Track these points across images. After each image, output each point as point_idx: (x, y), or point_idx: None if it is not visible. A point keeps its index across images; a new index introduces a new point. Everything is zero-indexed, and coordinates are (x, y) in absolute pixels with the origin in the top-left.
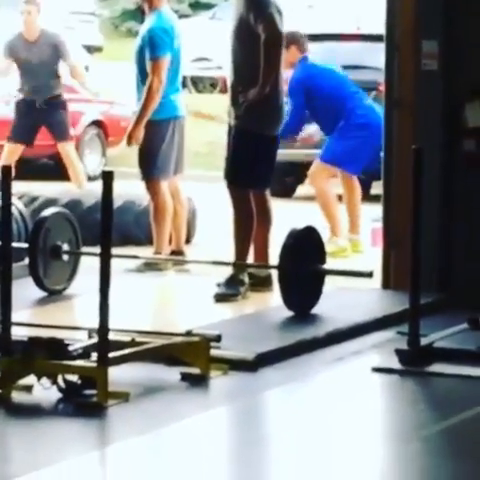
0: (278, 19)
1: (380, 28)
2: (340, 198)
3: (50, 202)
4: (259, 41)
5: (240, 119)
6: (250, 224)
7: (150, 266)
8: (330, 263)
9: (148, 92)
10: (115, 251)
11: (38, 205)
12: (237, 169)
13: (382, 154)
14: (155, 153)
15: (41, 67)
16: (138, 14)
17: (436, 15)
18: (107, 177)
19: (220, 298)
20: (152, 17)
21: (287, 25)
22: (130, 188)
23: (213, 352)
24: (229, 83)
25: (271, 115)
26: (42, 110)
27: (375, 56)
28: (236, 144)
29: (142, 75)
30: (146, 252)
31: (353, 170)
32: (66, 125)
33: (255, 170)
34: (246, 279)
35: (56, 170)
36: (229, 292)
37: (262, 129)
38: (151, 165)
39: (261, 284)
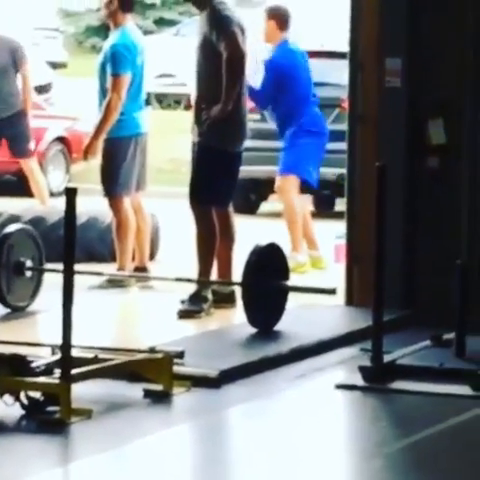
0: (240, 37)
1: (344, 45)
2: (313, 215)
3: (13, 219)
4: (221, 59)
5: (203, 136)
6: (213, 241)
7: (114, 283)
8: (293, 280)
9: (106, 108)
10: (79, 268)
11: (1, 222)
12: (199, 185)
13: (344, 170)
14: (117, 170)
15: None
16: (102, 30)
17: (400, 32)
18: (70, 194)
19: (183, 315)
20: (116, 33)
21: (251, 43)
22: (94, 205)
23: (176, 369)
24: (193, 100)
25: (233, 132)
26: (2, 122)
27: (339, 73)
28: (198, 160)
29: (103, 91)
30: (110, 269)
31: (306, 177)
32: (27, 140)
33: (216, 186)
34: (209, 296)
35: (19, 186)
36: (192, 309)
37: (224, 146)
38: (113, 182)
39: (224, 301)
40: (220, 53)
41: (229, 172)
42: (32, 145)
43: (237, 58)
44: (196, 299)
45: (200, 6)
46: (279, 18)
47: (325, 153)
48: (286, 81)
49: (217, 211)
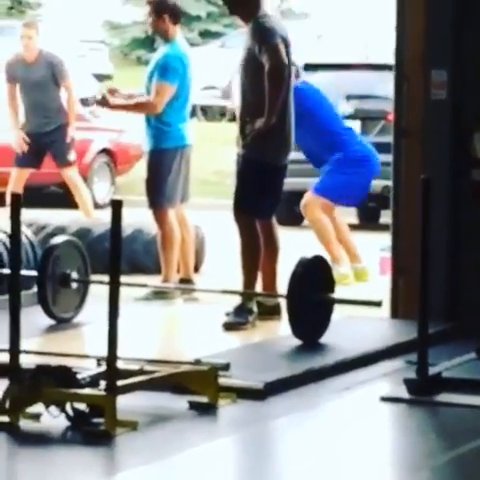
0: (282, 49)
1: (389, 57)
2: (352, 227)
3: (59, 230)
4: (264, 71)
5: (247, 148)
6: (257, 252)
7: (158, 295)
8: (338, 292)
9: (142, 104)
10: (124, 279)
11: (47, 233)
12: (242, 197)
13: (390, 183)
14: (162, 182)
15: (40, 87)
16: (147, 42)
17: (445, 44)
18: (116, 205)
19: (229, 327)
20: (167, 45)
21: (296, 55)
22: (139, 216)
23: (221, 381)
24: (237, 113)
25: (277, 145)
26: (45, 135)
27: (384, 85)
28: (242, 172)
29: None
30: (155, 280)
31: (347, 204)
32: (66, 150)
33: (261, 199)
34: (255, 308)
35: (65, 198)
36: (238, 321)
37: (268, 158)
38: (158, 194)
39: (269, 313)
40: (263, 65)
41: (273, 185)
42: (72, 156)
43: (279, 70)
44: (241, 311)
45: (245, 19)
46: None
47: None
48: (309, 112)
49: (261, 223)
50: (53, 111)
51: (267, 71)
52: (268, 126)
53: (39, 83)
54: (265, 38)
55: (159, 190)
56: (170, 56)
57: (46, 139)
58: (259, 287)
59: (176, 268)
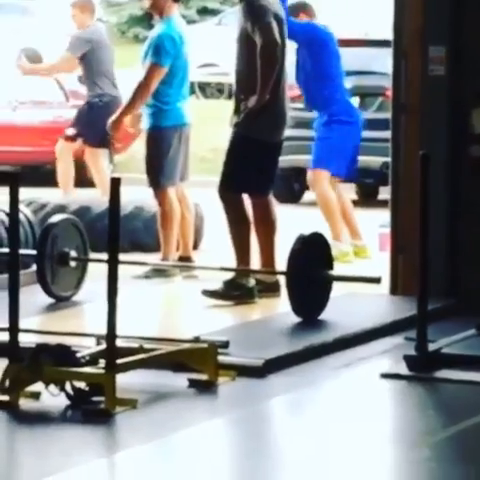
0: (275, 27)
1: (388, 33)
2: (355, 203)
3: (59, 209)
4: (257, 50)
5: (239, 125)
6: (244, 228)
7: (158, 272)
8: (337, 269)
9: (134, 92)
10: (124, 257)
11: (47, 212)
12: (231, 174)
13: (389, 159)
14: (162, 160)
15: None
16: (145, 20)
17: (443, 21)
18: (114, 183)
19: (207, 293)
20: (162, 24)
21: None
22: (138, 194)
23: (221, 358)
24: (233, 91)
25: (271, 122)
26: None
27: (382, 61)
28: (232, 149)
29: None
30: (154, 258)
31: (336, 171)
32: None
33: (252, 176)
34: (250, 284)
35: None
36: (218, 291)
37: (260, 135)
38: (158, 172)
39: (269, 290)
40: (256, 44)
41: (265, 162)
42: (70, 131)
43: (271, 48)
44: (230, 285)
45: None
46: (309, 11)
47: (369, 142)
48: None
49: (255, 200)
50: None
51: (259, 50)
52: (260, 104)
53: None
54: (257, 17)
55: (159, 169)
56: (163, 36)
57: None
58: (258, 264)
59: (175, 246)
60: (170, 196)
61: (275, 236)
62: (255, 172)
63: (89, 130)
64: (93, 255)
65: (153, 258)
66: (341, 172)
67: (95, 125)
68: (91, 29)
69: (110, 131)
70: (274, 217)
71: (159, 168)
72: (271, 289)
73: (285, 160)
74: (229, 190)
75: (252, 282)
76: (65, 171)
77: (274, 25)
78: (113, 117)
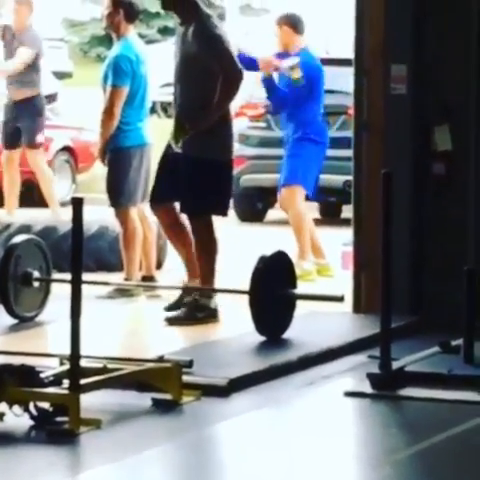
0: (235, 55)
1: (349, 52)
2: (317, 222)
3: (24, 229)
4: (211, 74)
5: (190, 146)
6: (214, 249)
7: (121, 292)
8: (301, 287)
9: (102, 118)
10: (88, 277)
11: (11, 232)
12: (193, 197)
13: (351, 177)
14: (123, 180)
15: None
16: (107, 40)
17: (404, 39)
18: (77, 204)
19: (171, 321)
20: (118, 44)
21: (256, 49)
22: (104, 214)
23: (185, 378)
24: (174, 114)
25: (223, 141)
26: (18, 108)
27: (344, 80)
28: (190, 172)
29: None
30: (118, 278)
31: (309, 188)
32: (37, 131)
33: (212, 196)
34: (212, 304)
35: (27, 196)
36: (181, 316)
37: (214, 155)
38: (119, 192)
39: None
40: (210, 69)
41: (222, 181)
42: (41, 138)
43: (238, 79)
44: (193, 307)
45: (186, 18)
46: (292, 23)
47: (331, 160)
48: (315, 86)
49: (196, 221)
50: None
51: (225, 78)
52: (209, 124)
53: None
54: (215, 45)
55: (120, 189)
56: (119, 57)
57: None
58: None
59: (138, 266)
60: (132, 216)
61: (216, 257)
62: (215, 192)
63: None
64: (60, 275)
65: (117, 278)
66: (311, 189)
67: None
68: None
69: (102, 162)
70: (215, 236)
71: (120, 188)
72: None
73: (248, 179)
74: (198, 213)
75: (215, 302)
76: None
77: (233, 52)
78: (96, 151)
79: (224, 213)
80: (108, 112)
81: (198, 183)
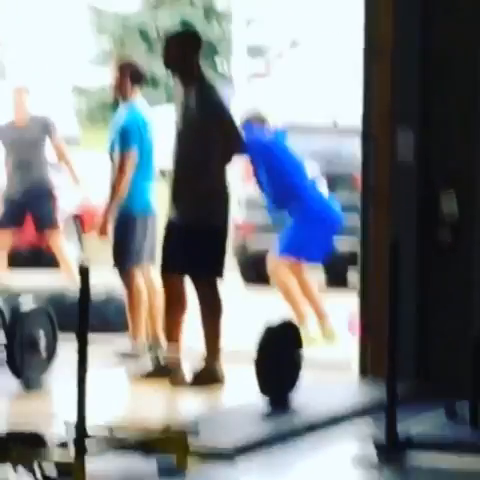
0: (236, 122)
1: (355, 120)
2: (319, 287)
3: (32, 293)
4: (211, 138)
5: (192, 211)
6: (219, 312)
7: (127, 355)
8: (307, 352)
9: (113, 186)
10: (94, 338)
11: (18, 296)
12: (206, 262)
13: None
14: (127, 244)
15: (29, 149)
16: (115, 106)
17: (411, 107)
18: (84, 272)
19: (176, 385)
20: (124, 109)
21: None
22: (111, 276)
23: (191, 444)
24: (171, 178)
25: (222, 205)
26: (29, 195)
27: (351, 147)
28: (196, 238)
29: (115, 167)
30: (125, 340)
31: (309, 259)
32: (55, 213)
33: (221, 259)
34: (219, 368)
35: (36, 260)
36: (187, 380)
37: (214, 220)
38: (123, 256)
39: (172, 374)
40: (210, 133)
41: (221, 244)
42: (59, 218)
43: (239, 146)
44: (199, 371)
45: (189, 80)
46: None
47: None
48: (274, 159)
49: (201, 284)
50: (41, 172)
51: (227, 144)
52: (210, 188)
53: (31, 145)
54: (218, 112)
55: (124, 253)
56: (125, 122)
57: (29, 200)
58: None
59: (144, 328)
60: (136, 277)
61: (220, 318)
62: (215, 256)
63: None
64: (64, 340)
65: (124, 341)
66: (312, 257)
67: None
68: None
69: (101, 235)
70: (220, 299)
71: (125, 251)
72: (175, 373)
73: (256, 244)
74: (201, 276)
75: (221, 366)
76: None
77: (235, 119)
78: (98, 222)
79: (222, 275)
80: (120, 177)
81: (199, 247)
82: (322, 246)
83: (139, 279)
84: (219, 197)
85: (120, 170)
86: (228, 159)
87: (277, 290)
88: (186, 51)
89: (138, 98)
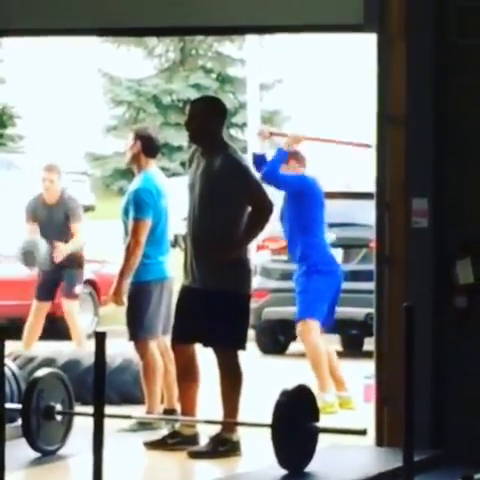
0: (265, 187)
1: (369, 185)
2: (340, 355)
3: (48, 362)
4: (240, 209)
5: (213, 280)
6: (240, 382)
7: (144, 425)
8: (323, 420)
9: (126, 253)
10: (112, 410)
11: (35, 365)
12: (228, 333)
13: (372, 310)
14: (142, 314)
15: (58, 226)
16: (129, 174)
17: (426, 173)
18: (100, 337)
19: (193, 455)
20: (138, 178)
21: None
22: (127, 346)
23: None
24: (191, 247)
25: (246, 274)
26: (62, 267)
27: (365, 213)
28: (217, 307)
29: (128, 235)
30: (143, 411)
31: (322, 320)
32: (76, 283)
33: (241, 330)
34: (235, 438)
35: (47, 329)
36: (205, 450)
37: (238, 289)
38: (138, 326)
39: (187, 443)
40: (238, 202)
41: (244, 314)
42: (78, 289)
43: (268, 213)
44: (216, 440)
45: (212, 151)
46: (297, 157)
47: (353, 293)
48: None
49: (221, 353)
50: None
51: (257, 211)
52: (234, 256)
53: (58, 224)
54: (246, 178)
55: (139, 322)
56: (139, 190)
57: (60, 272)
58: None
59: (160, 398)
60: (151, 349)
61: (240, 389)
62: (238, 326)
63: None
64: (83, 408)
65: (141, 411)
66: (326, 320)
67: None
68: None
69: (116, 302)
70: (240, 370)
71: (140, 321)
72: (190, 442)
73: (271, 312)
74: (223, 347)
75: (237, 436)
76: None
77: (263, 185)
78: (112, 288)
79: (244, 347)
80: (133, 245)
81: (222, 317)
82: (330, 304)
83: (154, 349)
84: (243, 266)
85: (133, 237)
86: (260, 226)
87: (307, 353)
88: (211, 121)
89: (153, 168)
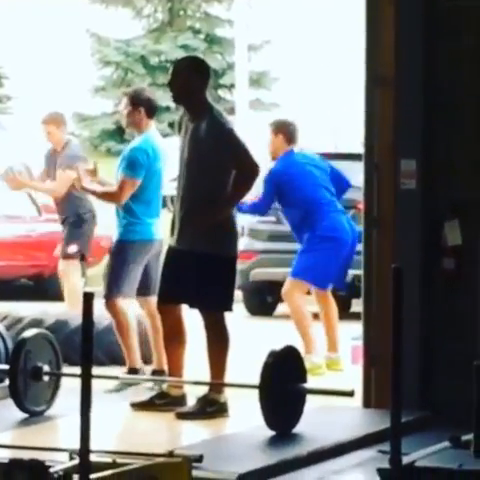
0: (249, 149)
1: (358, 146)
2: (316, 316)
3: (36, 323)
4: (226, 171)
5: (198, 242)
6: (226, 344)
7: (128, 384)
8: (311, 382)
9: (105, 192)
10: (98, 371)
11: (23, 326)
12: (208, 294)
13: (360, 272)
14: (120, 273)
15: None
16: (117, 134)
17: (414, 134)
18: (87, 298)
19: (181, 416)
20: (137, 138)
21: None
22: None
23: (195, 473)
24: (178, 207)
25: (231, 236)
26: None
27: (353, 174)
28: (203, 269)
29: None
30: (125, 369)
31: (322, 285)
32: (71, 243)
33: (224, 292)
34: (222, 399)
35: (36, 290)
36: (192, 411)
37: (224, 251)
38: (112, 284)
39: (175, 404)
40: (224, 164)
41: (231, 276)
42: (73, 248)
43: (253, 172)
44: (203, 401)
45: (197, 113)
46: (288, 133)
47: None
48: (285, 190)
49: (208, 316)
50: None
51: (241, 174)
52: (220, 218)
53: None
54: (231, 140)
55: (115, 280)
56: (137, 149)
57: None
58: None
59: (140, 353)
60: (122, 307)
61: (227, 350)
62: (225, 287)
63: (86, 244)
64: (71, 368)
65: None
66: (323, 284)
67: (89, 239)
68: (74, 145)
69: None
70: (227, 331)
71: (116, 279)
72: (178, 403)
73: (259, 273)
74: (212, 310)
75: (225, 397)
76: (74, 289)
77: (249, 149)
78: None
79: (231, 308)
80: (114, 196)
81: (209, 279)
82: (333, 269)
83: (123, 307)
84: (230, 228)
85: (117, 189)
86: (246, 188)
87: (291, 314)
88: (195, 82)
89: (152, 129)
